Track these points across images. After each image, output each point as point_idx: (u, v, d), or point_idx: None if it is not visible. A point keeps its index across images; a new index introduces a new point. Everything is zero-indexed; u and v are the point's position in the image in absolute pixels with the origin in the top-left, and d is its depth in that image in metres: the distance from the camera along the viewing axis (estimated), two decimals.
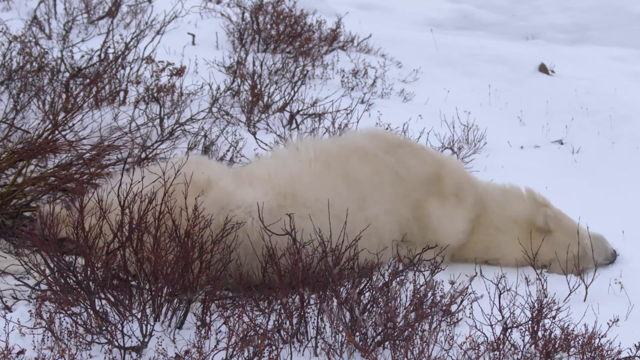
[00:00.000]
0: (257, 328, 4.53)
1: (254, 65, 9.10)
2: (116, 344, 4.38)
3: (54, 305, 4.59)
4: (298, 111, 8.45)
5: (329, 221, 5.14)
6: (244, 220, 5.20)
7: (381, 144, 5.92)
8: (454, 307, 4.95)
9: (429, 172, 5.89)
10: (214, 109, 8.27)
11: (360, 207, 5.58)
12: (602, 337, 4.65)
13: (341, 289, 4.69)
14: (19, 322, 4.55)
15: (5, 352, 4.24)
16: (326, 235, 5.02)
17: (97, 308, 4.51)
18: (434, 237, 5.82)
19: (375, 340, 4.52)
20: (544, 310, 4.71)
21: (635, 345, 4.55)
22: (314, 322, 4.67)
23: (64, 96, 7.74)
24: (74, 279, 4.61)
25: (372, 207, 5.62)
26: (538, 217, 6.07)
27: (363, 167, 5.74)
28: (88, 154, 6.38)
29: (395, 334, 4.50)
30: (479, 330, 4.77)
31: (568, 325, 4.70)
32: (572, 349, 4.64)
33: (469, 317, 4.92)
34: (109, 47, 8.52)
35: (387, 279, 4.82)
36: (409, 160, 5.87)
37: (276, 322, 4.65)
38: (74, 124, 7.20)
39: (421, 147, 6.19)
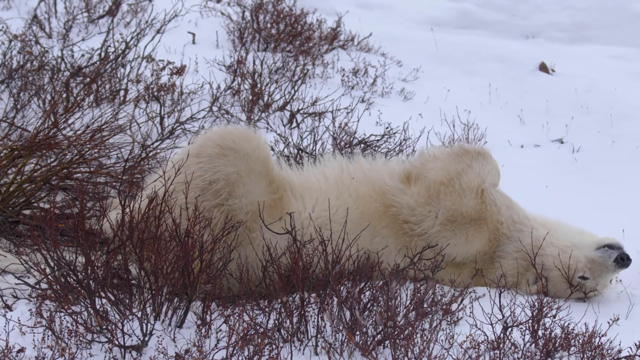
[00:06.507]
0: (258, 327, 4.53)
1: (254, 64, 9.10)
2: (116, 342, 4.38)
3: (54, 304, 4.59)
4: (298, 110, 8.45)
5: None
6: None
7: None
8: (454, 306, 4.95)
9: (461, 212, 5.61)
10: (214, 108, 8.27)
11: (371, 239, 5.50)
12: (602, 336, 4.66)
13: (341, 288, 4.69)
14: (19, 321, 4.55)
15: (6, 350, 4.24)
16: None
17: (98, 307, 4.51)
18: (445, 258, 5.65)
19: (376, 340, 4.51)
20: (544, 309, 4.71)
21: (635, 344, 4.55)
22: (314, 321, 4.67)
23: (64, 95, 7.74)
24: (74, 277, 4.61)
25: (380, 241, 5.55)
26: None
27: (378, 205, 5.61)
28: (87, 150, 6.37)
29: (396, 333, 4.49)
30: (479, 329, 4.77)
31: (568, 324, 4.69)
32: (572, 348, 4.63)
33: (470, 316, 4.91)
34: (109, 46, 8.52)
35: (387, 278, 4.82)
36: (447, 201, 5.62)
37: (276, 321, 4.65)
38: (73, 122, 7.20)
39: (471, 187, 5.67)
